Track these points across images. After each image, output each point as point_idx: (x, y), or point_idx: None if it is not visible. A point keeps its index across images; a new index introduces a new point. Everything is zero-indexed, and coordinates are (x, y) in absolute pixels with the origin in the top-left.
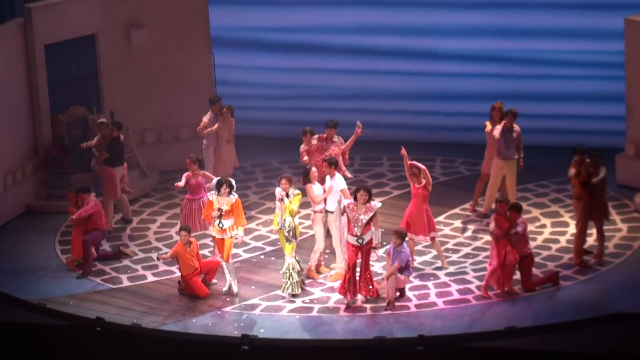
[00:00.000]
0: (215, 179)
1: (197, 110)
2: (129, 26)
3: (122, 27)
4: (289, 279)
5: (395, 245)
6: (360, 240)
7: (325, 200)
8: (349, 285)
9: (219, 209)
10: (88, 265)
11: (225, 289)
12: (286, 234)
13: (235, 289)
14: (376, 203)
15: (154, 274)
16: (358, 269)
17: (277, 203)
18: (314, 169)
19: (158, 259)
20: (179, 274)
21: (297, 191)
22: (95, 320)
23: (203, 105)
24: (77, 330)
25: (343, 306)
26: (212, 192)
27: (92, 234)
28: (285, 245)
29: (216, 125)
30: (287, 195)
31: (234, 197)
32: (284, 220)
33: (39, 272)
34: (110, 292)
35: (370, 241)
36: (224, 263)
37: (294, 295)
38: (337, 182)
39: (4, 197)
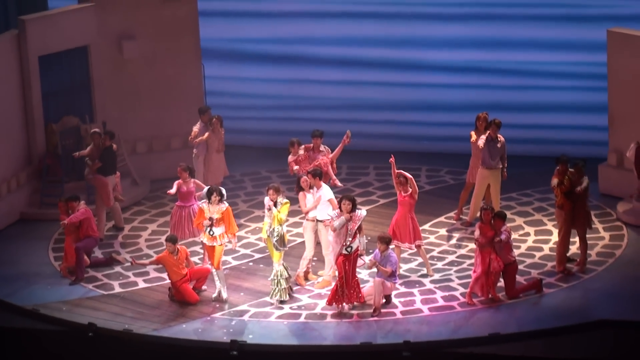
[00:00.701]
0: (205, 188)
1: (187, 120)
2: (121, 38)
3: (114, 39)
4: (277, 285)
5: (382, 250)
6: (349, 249)
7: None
8: (339, 295)
9: (210, 218)
10: (80, 272)
11: (214, 295)
12: (274, 242)
13: (224, 295)
14: (361, 212)
15: (145, 281)
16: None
17: (266, 211)
18: (305, 177)
19: (132, 263)
20: (169, 280)
21: (286, 200)
22: (87, 326)
23: (193, 115)
24: (70, 336)
25: (330, 312)
26: (203, 200)
27: (84, 241)
28: (273, 253)
29: (206, 135)
30: (275, 205)
31: (225, 205)
32: (273, 228)
33: (33, 278)
34: (102, 298)
35: (357, 249)
36: (214, 270)
37: (282, 302)
38: (324, 193)
39: None
